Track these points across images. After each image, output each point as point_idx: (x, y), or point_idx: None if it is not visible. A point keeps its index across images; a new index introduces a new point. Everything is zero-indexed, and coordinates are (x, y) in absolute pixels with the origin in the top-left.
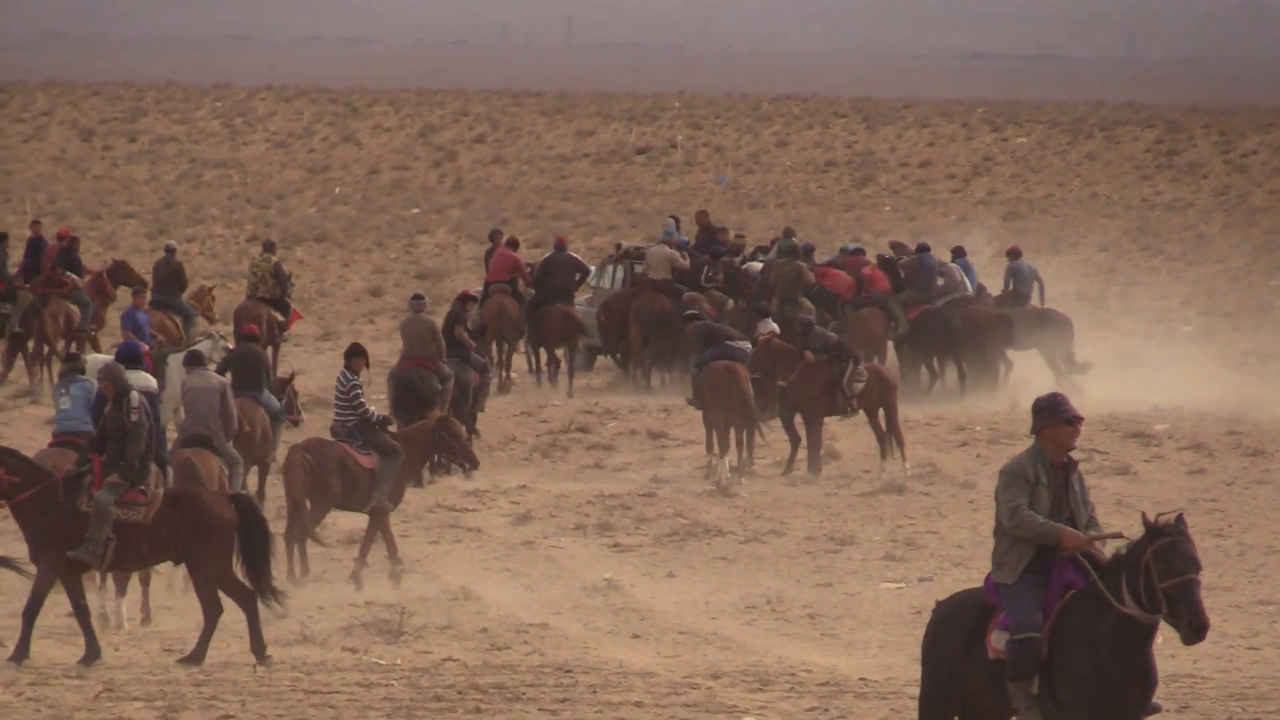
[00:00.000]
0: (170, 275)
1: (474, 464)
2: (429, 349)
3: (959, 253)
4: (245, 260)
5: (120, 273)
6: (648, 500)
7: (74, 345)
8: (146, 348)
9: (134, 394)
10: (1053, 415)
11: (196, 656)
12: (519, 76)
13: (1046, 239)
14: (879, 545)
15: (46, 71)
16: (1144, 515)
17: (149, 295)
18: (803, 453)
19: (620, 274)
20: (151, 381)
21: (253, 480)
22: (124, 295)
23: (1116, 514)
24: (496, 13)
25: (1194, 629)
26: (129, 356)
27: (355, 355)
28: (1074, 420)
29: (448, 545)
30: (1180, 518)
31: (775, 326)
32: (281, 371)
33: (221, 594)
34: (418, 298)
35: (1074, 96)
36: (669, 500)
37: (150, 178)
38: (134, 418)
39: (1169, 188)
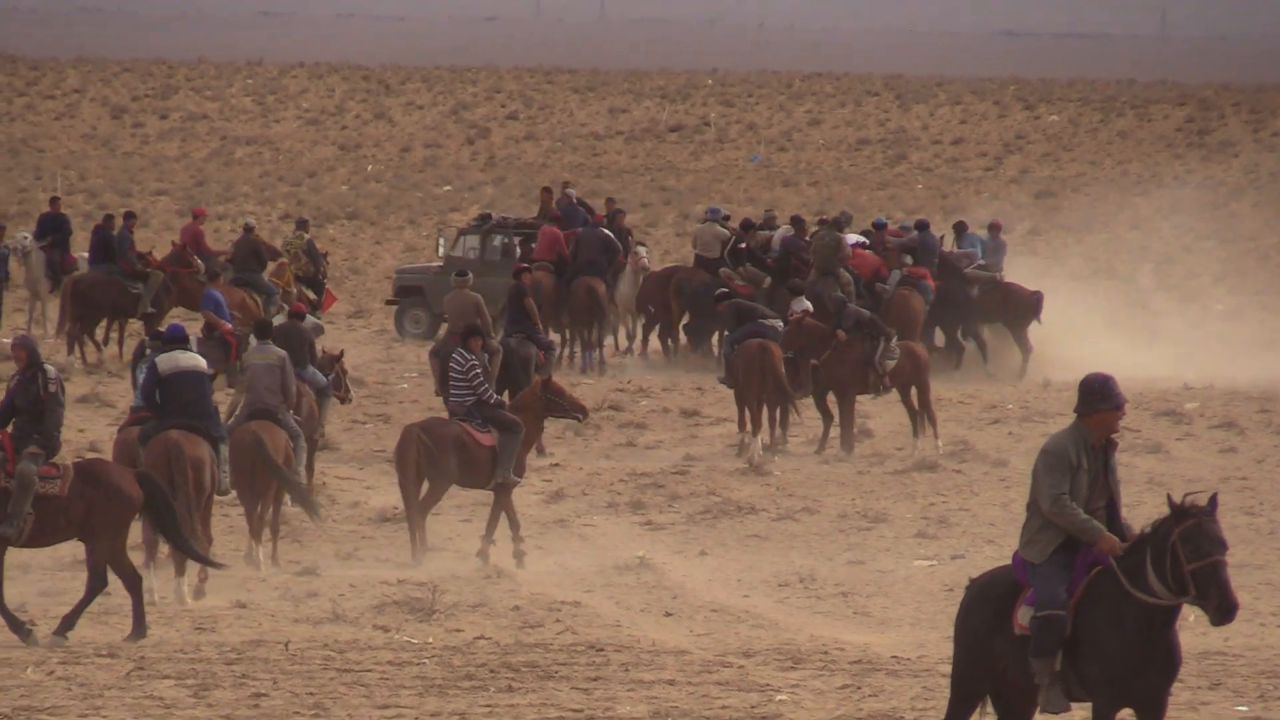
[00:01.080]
0: (250, 253)
1: (585, 414)
2: (474, 324)
3: (961, 228)
4: (278, 239)
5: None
6: (680, 478)
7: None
8: (228, 326)
9: (49, 368)
10: (1104, 400)
11: (138, 630)
12: (552, 53)
13: (1078, 217)
14: (911, 523)
15: (78, 49)
16: (1169, 497)
17: (224, 275)
18: (835, 430)
19: (478, 244)
20: (201, 361)
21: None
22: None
23: (1148, 492)
24: None
25: (1223, 610)
26: (176, 338)
27: (472, 335)
28: (1122, 406)
29: (480, 523)
30: (1213, 499)
31: (809, 305)
32: (330, 348)
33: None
34: (462, 273)
35: (1106, 74)
36: (701, 478)
37: (181, 155)
38: (51, 389)
39: (1200, 166)
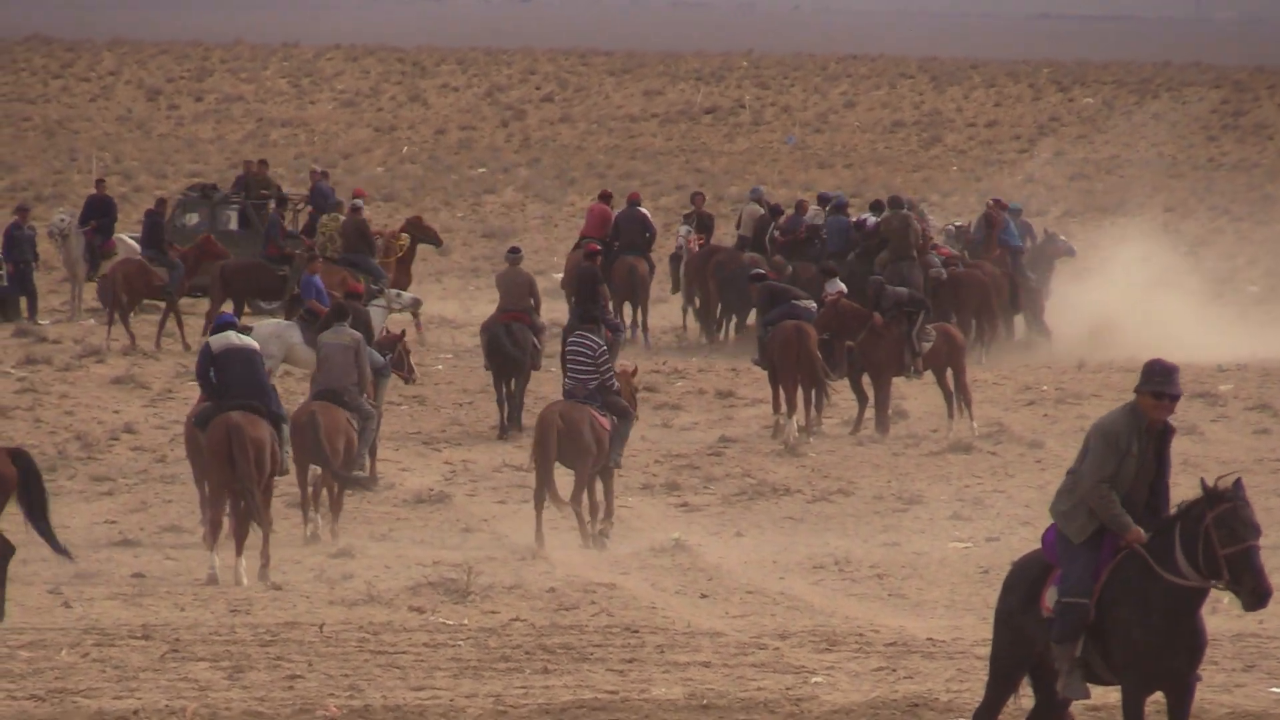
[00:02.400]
0: (356, 233)
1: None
2: (525, 302)
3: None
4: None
5: (417, 229)
6: (715, 459)
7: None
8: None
9: None
10: (1147, 383)
11: None
12: (587, 35)
13: (1113, 199)
14: (946, 505)
15: (114, 30)
16: (1202, 480)
17: (320, 260)
18: (870, 412)
19: (208, 217)
20: (253, 341)
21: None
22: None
23: (1183, 474)
24: None
25: (1257, 596)
26: (226, 323)
27: (588, 319)
28: (1162, 396)
29: (515, 505)
30: (1239, 482)
31: (843, 286)
32: (393, 328)
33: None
34: (514, 250)
35: (1140, 57)
36: (736, 460)
37: (216, 137)
38: None
39: (1235, 148)
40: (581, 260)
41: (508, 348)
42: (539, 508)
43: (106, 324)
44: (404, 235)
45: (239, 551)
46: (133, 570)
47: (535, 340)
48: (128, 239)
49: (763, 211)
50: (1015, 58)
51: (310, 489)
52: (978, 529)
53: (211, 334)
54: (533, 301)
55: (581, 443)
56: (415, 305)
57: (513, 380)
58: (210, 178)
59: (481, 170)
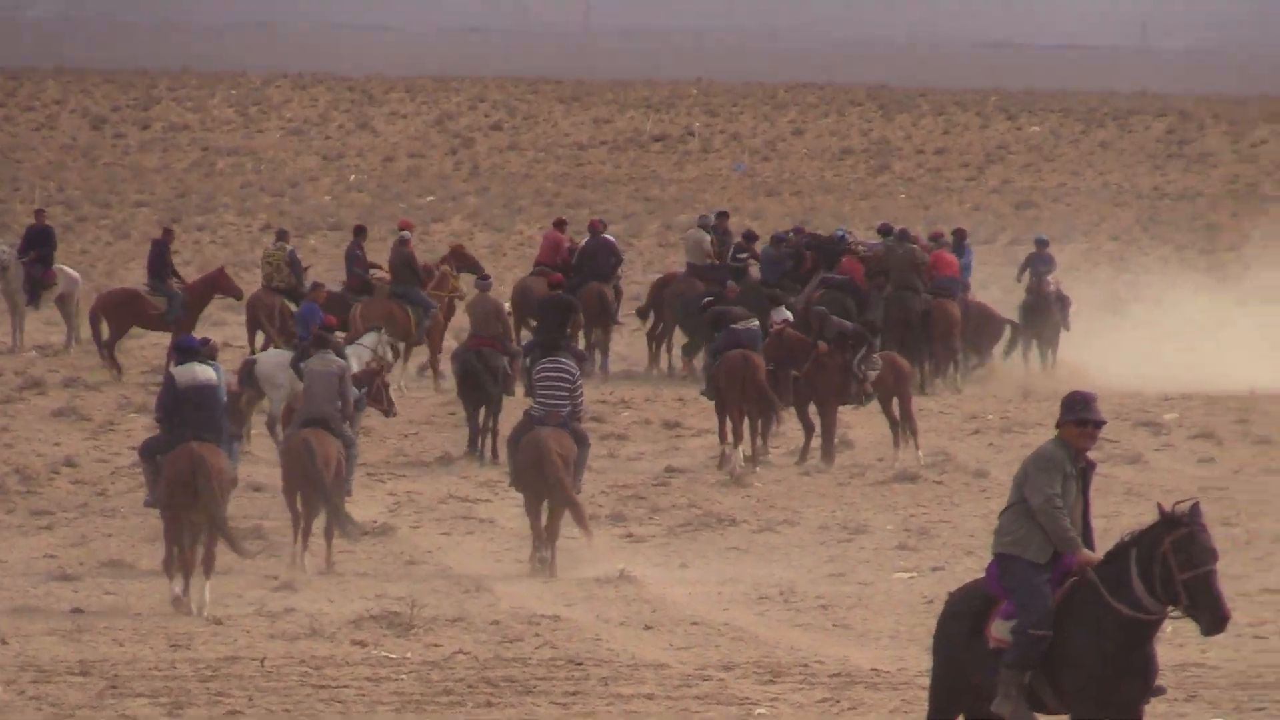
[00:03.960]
0: (403, 264)
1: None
2: (495, 328)
3: (960, 235)
4: (258, 249)
5: (459, 259)
6: (661, 490)
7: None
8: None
9: None
10: (1070, 412)
11: None
12: (536, 63)
13: (1059, 227)
14: (892, 534)
15: (58, 58)
16: (1160, 505)
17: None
18: (816, 442)
19: None
20: (212, 374)
21: None
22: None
23: (1127, 503)
24: None
25: (1216, 620)
26: (190, 348)
27: (556, 346)
28: (1086, 423)
29: (459, 537)
30: (1195, 506)
31: (789, 315)
32: (371, 362)
33: None
34: (484, 278)
35: (1087, 86)
36: (682, 490)
37: (162, 166)
38: None
39: (1180, 177)
40: (547, 288)
41: (481, 376)
42: (537, 535)
43: (99, 352)
44: (446, 266)
45: (207, 575)
46: (71, 605)
47: (507, 367)
48: (68, 270)
49: (705, 236)
50: (963, 86)
51: (302, 523)
52: (923, 559)
53: (176, 363)
54: (502, 328)
55: (568, 471)
56: (388, 363)
57: (484, 407)
58: (156, 208)
59: (430, 198)
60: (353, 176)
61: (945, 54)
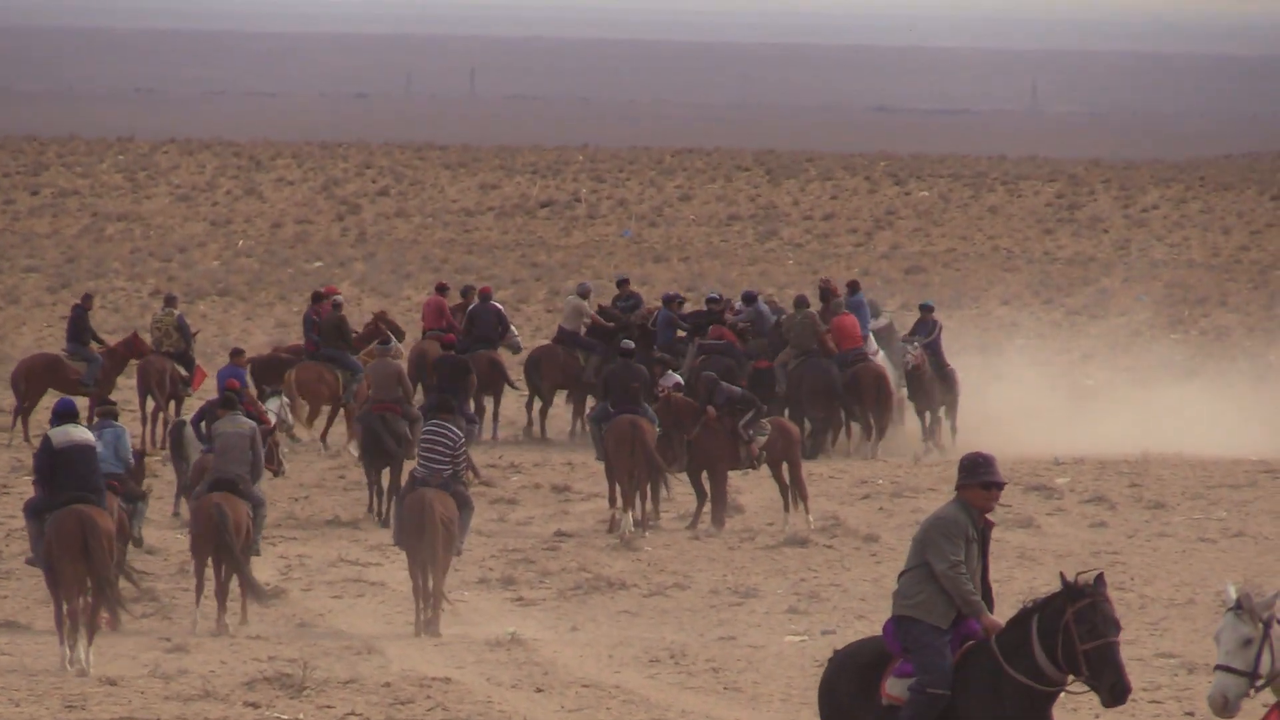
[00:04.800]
0: (335, 330)
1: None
2: (395, 393)
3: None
4: (148, 315)
5: (386, 324)
6: (551, 554)
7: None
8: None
9: None
10: (972, 475)
11: None
12: (422, 129)
13: (949, 292)
14: (782, 598)
15: None
16: (1063, 575)
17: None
18: (707, 506)
19: None
20: (88, 435)
21: None
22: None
23: (1020, 567)
24: (400, 64)
25: (1117, 692)
26: (68, 412)
27: (447, 411)
28: (990, 486)
29: (351, 600)
30: (1100, 577)
31: (678, 379)
32: (266, 421)
33: None
34: (385, 342)
35: (976, 150)
36: (572, 554)
37: (52, 231)
38: None
39: (1070, 241)
40: (441, 349)
41: (384, 439)
42: (420, 595)
43: (12, 415)
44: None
45: (89, 639)
46: None
47: (408, 431)
48: None
49: (584, 304)
50: (851, 151)
51: (210, 582)
52: (814, 622)
53: (52, 424)
54: (403, 392)
55: (451, 531)
56: (287, 425)
57: (386, 470)
58: (46, 273)
59: (318, 264)
60: (240, 242)
61: (832, 118)
